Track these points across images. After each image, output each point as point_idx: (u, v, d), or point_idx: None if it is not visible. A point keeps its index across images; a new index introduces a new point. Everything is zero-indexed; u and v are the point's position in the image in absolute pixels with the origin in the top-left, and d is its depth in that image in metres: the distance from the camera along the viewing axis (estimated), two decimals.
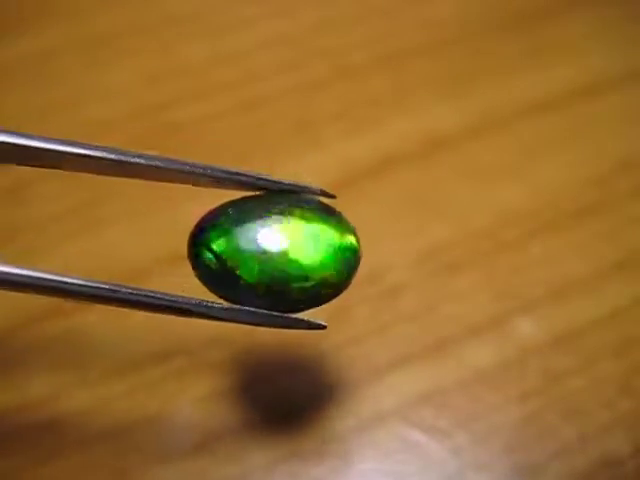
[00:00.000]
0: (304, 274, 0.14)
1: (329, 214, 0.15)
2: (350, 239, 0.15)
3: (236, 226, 0.14)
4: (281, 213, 0.14)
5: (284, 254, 0.14)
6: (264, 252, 0.14)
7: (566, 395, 0.21)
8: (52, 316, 0.22)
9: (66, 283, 0.13)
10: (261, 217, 0.14)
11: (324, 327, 0.15)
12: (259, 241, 0.14)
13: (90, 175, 0.25)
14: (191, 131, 0.26)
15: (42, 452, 0.20)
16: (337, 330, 0.22)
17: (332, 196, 0.15)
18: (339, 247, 0.15)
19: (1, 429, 0.20)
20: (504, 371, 0.22)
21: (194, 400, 0.21)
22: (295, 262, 0.14)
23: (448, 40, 0.29)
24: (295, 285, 0.14)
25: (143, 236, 0.24)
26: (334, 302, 0.22)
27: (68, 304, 0.22)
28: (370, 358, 0.22)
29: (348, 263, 0.15)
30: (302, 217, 0.15)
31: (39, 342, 0.22)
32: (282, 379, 0.22)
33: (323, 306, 0.22)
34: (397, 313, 0.23)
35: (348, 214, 0.24)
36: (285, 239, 0.14)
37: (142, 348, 0.22)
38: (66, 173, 0.25)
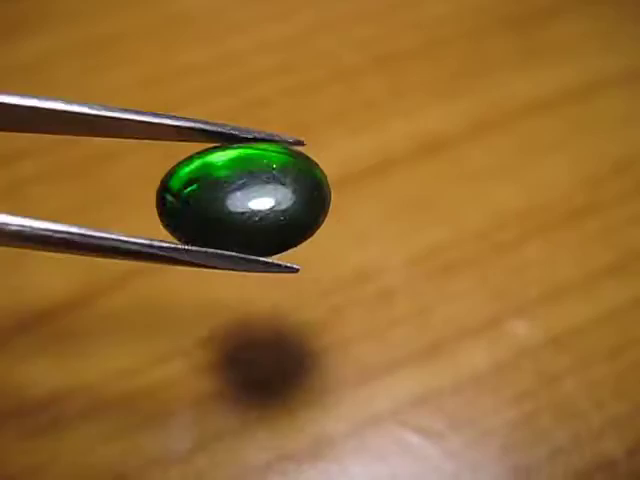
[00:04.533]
0: (276, 208, 0.14)
1: (298, 156, 0.15)
2: (319, 177, 0.15)
3: (202, 168, 0.14)
4: (248, 148, 0.14)
5: (252, 190, 0.14)
6: (231, 190, 0.14)
7: (560, 397, 0.21)
8: (49, 318, 0.22)
9: (30, 227, 0.13)
10: (227, 154, 0.14)
11: (297, 270, 0.15)
12: (225, 179, 0.14)
13: (89, 176, 0.25)
14: None
15: (41, 454, 0.20)
16: (331, 331, 0.22)
17: (301, 143, 0.15)
18: (309, 184, 0.14)
19: (1, 433, 0.21)
20: (499, 373, 0.22)
21: (190, 402, 0.21)
22: (264, 197, 0.14)
23: (445, 41, 0.29)
24: (264, 222, 0.14)
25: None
26: (329, 303, 0.23)
27: (65, 305, 0.22)
28: (365, 360, 0.22)
29: (317, 201, 0.14)
30: (271, 151, 0.14)
31: (36, 343, 0.22)
32: (276, 381, 0.22)
33: (316, 306, 0.22)
34: (392, 314, 0.23)
35: (345, 214, 0.24)
36: (253, 175, 0.14)
37: (140, 350, 0.22)
38: (64, 173, 0.25)
